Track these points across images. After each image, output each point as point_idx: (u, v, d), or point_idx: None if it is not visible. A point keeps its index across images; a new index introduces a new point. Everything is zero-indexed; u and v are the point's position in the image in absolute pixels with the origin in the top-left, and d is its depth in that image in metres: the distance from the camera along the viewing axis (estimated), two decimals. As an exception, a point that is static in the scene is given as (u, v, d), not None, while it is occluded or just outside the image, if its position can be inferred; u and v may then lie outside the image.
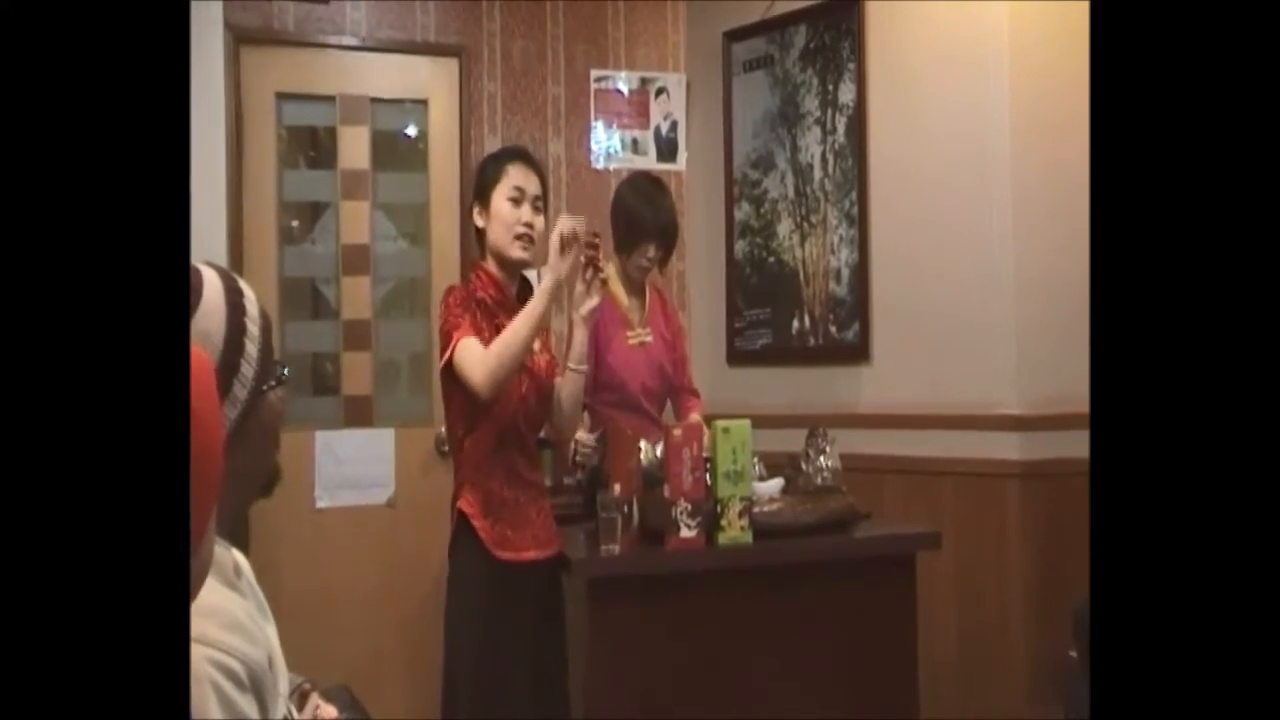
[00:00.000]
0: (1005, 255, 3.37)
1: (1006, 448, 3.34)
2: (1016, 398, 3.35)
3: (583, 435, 2.95)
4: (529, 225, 2.51)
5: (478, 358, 2.37)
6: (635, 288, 3.22)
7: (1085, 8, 3.37)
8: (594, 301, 2.51)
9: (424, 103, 4.10)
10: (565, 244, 2.43)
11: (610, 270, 3.10)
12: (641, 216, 3.11)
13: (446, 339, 2.43)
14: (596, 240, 2.49)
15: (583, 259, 2.47)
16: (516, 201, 2.51)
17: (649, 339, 3.19)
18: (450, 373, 2.44)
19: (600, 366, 3.07)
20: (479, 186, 2.58)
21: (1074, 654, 2.94)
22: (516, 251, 2.51)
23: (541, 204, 2.56)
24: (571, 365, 2.54)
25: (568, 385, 2.57)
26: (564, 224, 2.45)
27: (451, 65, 4.11)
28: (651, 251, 3.12)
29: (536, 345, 2.56)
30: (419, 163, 4.10)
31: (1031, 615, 3.29)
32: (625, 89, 4.29)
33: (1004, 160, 3.37)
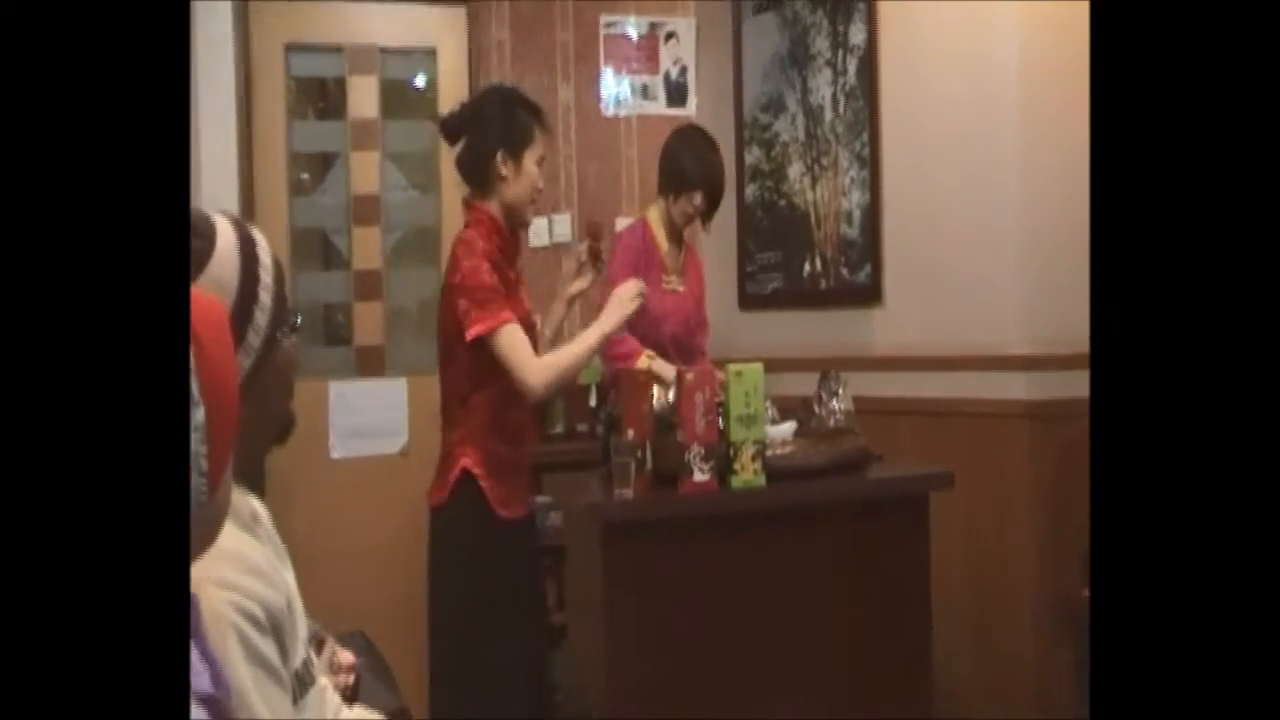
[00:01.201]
0: (1014, 197, 3.34)
1: (1015, 388, 3.33)
2: (1025, 338, 3.34)
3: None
4: (541, 191, 2.65)
5: (529, 356, 2.46)
6: (675, 235, 3.27)
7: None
8: (583, 283, 2.70)
9: (432, 51, 4.07)
10: (635, 298, 2.63)
11: (654, 211, 3.25)
12: (690, 167, 3.16)
13: (483, 308, 2.42)
14: (595, 231, 2.78)
15: (589, 248, 2.73)
16: (540, 165, 2.60)
17: (681, 288, 3.27)
18: (473, 341, 2.44)
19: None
20: (509, 137, 2.54)
21: (1086, 593, 2.96)
22: (531, 215, 2.63)
23: None
24: (547, 334, 2.73)
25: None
26: (634, 288, 2.62)
27: (459, 13, 4.07)
28: (698, 199, 3.17)
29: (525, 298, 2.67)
30: (428, 111, 4.08)
31: (1041, 555, 3.30)
32: (634, 34, 4.24)
33: (1013, 102, 3.33)
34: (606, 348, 2.89)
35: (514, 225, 2.61)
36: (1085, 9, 3.30)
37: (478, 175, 2.58)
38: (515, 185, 2.55)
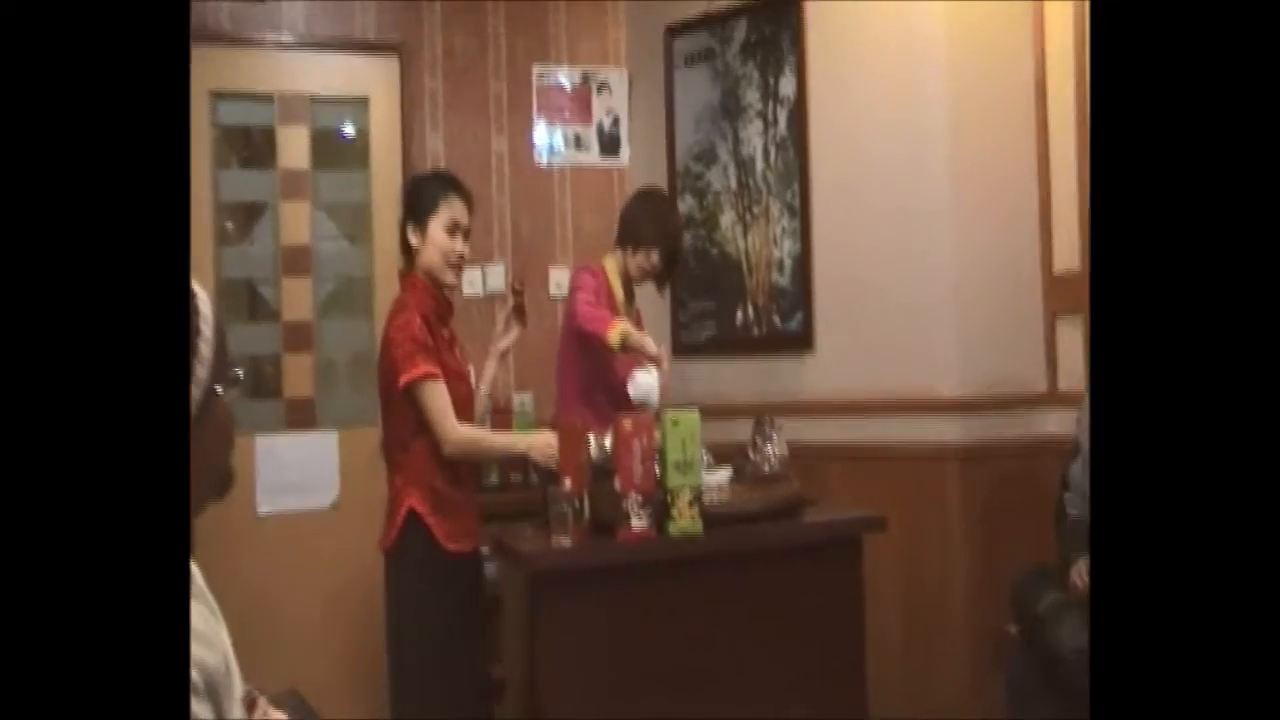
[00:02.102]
0: (944, 243, 3.43)
1: (947, 431, 3.40)
2: (956, 382, 3.40)
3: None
4: (461, 255, 2.73)
5: (448, 418, 2.60)
6: (628, 287, 3.31)
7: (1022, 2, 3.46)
8: (512, 336, 2.85)
9: (365, 100, 4.06)
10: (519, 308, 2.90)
11: (610, 262, 3.29)
12: (649, 224, 3.23)
13: (409, 359, 2.59)
14: (520, 286, 2.94)
15: (514, 303, 2.88)
16: (451, 232, 2.71)
17: None
18: (405, 389, 2.60)
19: (600, 349, 3.12)
20: (415, 209, 2.75)
21: (1012, 629, 3.00)
22: (450, 277, 2.74)
23: (468, 232, 2.77)
24: (483, 389, 2.88)
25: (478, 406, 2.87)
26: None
27: (392, 62, 4.08)
28: (654, 256, 3.21)
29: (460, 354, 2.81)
30: (360, 161, 4.07)
31: (972, 592, 3.35)
32: (567, 85, 4.28)
33: (942, 149, 3.43)
34: (578, 313, 3.04)
35: (439, 287, 2.74)
36: (1013, 56, 3.46)
37: (401, 249, 2.80)
38: (426, 252, 2.70)
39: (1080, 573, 2.77)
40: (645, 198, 3.37)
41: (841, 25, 3.66)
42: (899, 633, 3.42)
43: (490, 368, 2.90)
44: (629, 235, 3.25)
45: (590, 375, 3.18)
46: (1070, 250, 3.43)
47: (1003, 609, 3.04)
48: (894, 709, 3.26)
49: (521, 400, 3.99)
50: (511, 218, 4.20)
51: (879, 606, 3.02)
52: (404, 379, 2.58)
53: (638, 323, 3.32)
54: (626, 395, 3.11)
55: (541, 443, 2.68)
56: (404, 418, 2.63)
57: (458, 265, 2.73)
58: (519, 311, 2.91)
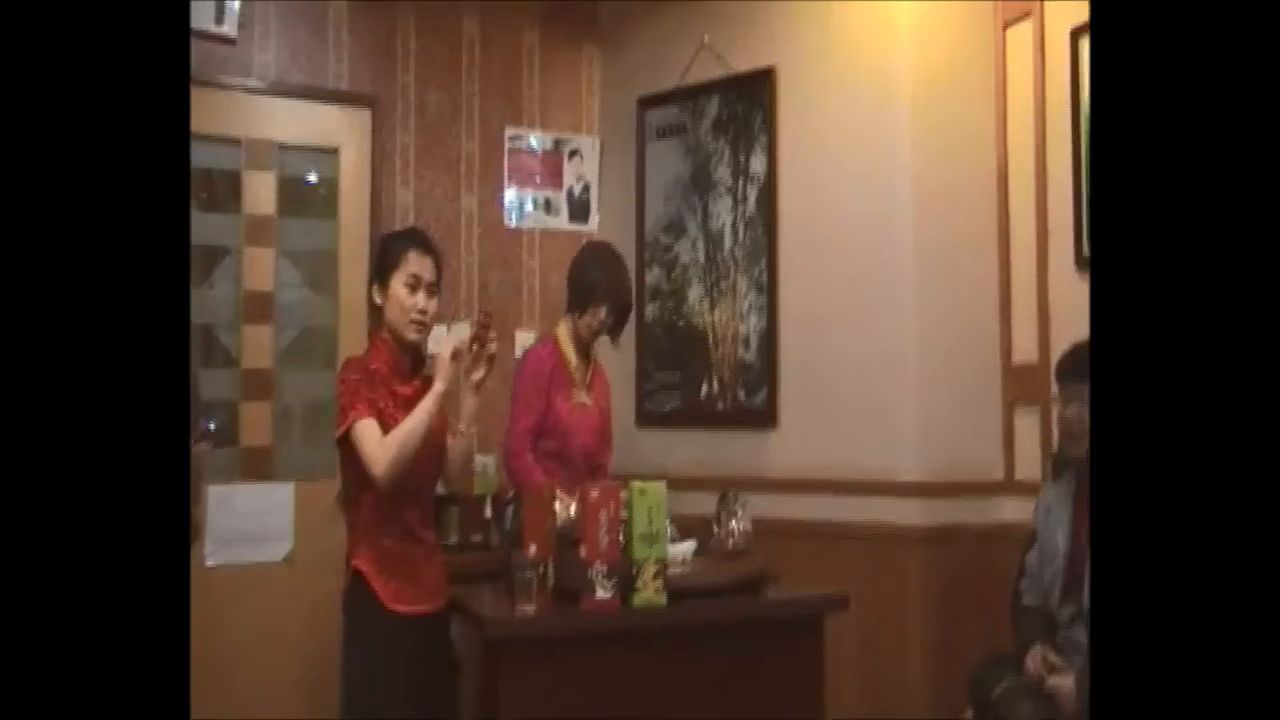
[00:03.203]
0: (907, 327, 3.49)
1: (907, 513, 3.42)
2: (917, 465, 3.44)
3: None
4: (423, 311, 2.66)
5: (375, 444, 2.51)
6: (583, 350, 3.29)
7: (987, 82, 3.57)
8: (480, 373, 2.65)
9: (335, 150, 4.05)
10: (455, 355, 2.59)
11: (562, 328, 3.28)
12: (597, 279, 3.22)
13: (343, 412, 2.56)
14: (486, 320, 2.66)
15: (474, 334, 2.66)
16: (412, 288, 2.66)
17: (589, 403, 3.26)
18: (343, 442, 2.57)
19: (546, 418, 3.16)
20: (378, 267, 2.72)
21: (969, 715, 3.00)
22: (412, 334, 2.67)
23: (436, 287, 2.71)
24: (462, 428, 2.69)
25: (458, 445, 2.71)
26: (454, 340, 2.62)
27: (364, 114, 4.08)
28: (603, 314, 3.21)
29: None
30: (328, 210, 4.04)
31: (930, 676, 3.36)
32: (539, 149, 4.31)
33: (906, 234, 3.50)
34: (510, 452, 3.09)
35: (405, 344, 2.69)
36: (977, 135, 3.55)
37: (369, 309, 2.79)
38: (388, 309, 2.67)
39: (1034, 659, 2.79)
40: (588, 255, 3.37)
41: (812, 106, 3.74)
42: (857, 713, 3.41)
43: (468, 402, 2.70)
44: (576, 298, 3.25)
45: (541, 443, 3.16)
46: (1029, 342, 3.51)
47: (960, 694, 3.05)
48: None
49: (484, 462, 3.95)
50: (480, 276, 4.19)
51: (838, 686, 3.02)
52: (338, 432, 2.55)
53: (595, 379, 3.31)
54: (578, 463, 3.10)
55: (443, 376, 2.55)
56: (350, 471, 2.59)
57: (419, 322, 2.67)
58: (479, 341, 2.66)
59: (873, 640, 3.40)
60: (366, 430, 2.52)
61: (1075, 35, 3.27)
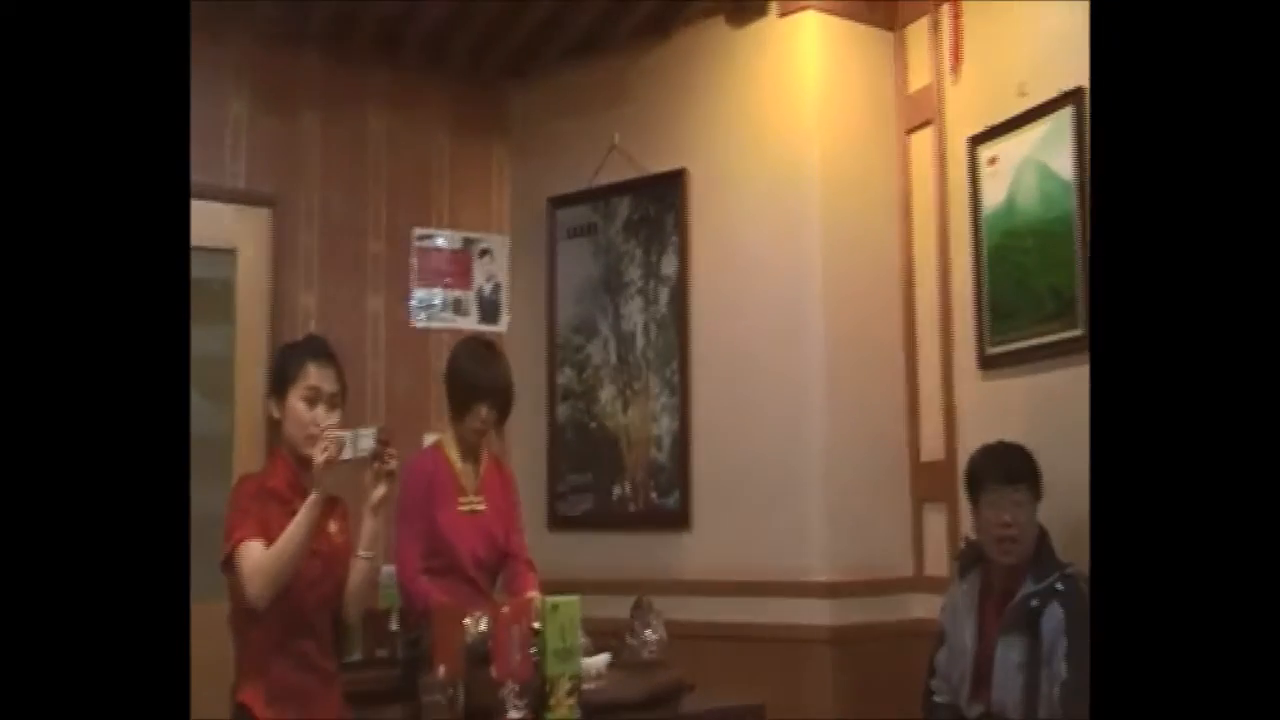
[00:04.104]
0: (816, 426, 3.50)
1: (820, 613, 3.41)
2: (828, 563, 3.44)
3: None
4: (314, 423, 2.52)
5: (253, 566, 2.37)
6: (470, 452, 3.17)
7: (891, 188, 3.66)
8: (381, 491, 2.51)
9: (232, 252, 3.93)
10: (327, 463, 2.42)
11: (446, 435, 3.19)
12: (475, 378, 3.10)
13: (229, 535, 2.42)
14: (386, 437, 2.52)
15: (373, 451, 2.48)
16: (311, 402, 2.52)
17: (481, 507, 3.14)
18: (227, 566, 2.42)
19: (431, 532, 3.04)
20: (276, 381, 2.60)
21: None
22: (310, 450, 2.46)
23: (339, 399, 2.57)
24: (360, 553, 2.55)
25: (357, 572, 2.56)
26: (328, 447, 2.43)
27: (263, 214, 3.97)
28: (484, 413, 3.09)
29: (333, 527, 2.55)
30: (225, 314, 3.91)
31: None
32: (448, 248, 4.28)
33: (818, 330, 3.54)
34: (404, 578, 3.02)
35: (303, 462, 2.52)
36: (887, 236, 3.62)
37: (267, 423, 2.70)
38: (286, 425, 2.55)
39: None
40: (463, 353, 3.22)
41: (723, 208, 3.79)
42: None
43: (367, 524, 2.56)
44: (455, 400, 3.12)
45: (429, 561, 3.05)
46: (936, 440, 3.55)
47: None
48: None
49: (389, 573, 3.81)
50: (386, 380, 4.10)
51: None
52: (224, 553, 2.40)
53: (488, 479, 3.19)
54: (472, 574, 3.03)
55: (317, 472, 2.40)
56: (238, 597, 2.43)
57: (318, 436, 2.49)
58: (381, 458, 2.52)
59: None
60: (249, 552, 2.38)
61: (974, 142, 3.37)
